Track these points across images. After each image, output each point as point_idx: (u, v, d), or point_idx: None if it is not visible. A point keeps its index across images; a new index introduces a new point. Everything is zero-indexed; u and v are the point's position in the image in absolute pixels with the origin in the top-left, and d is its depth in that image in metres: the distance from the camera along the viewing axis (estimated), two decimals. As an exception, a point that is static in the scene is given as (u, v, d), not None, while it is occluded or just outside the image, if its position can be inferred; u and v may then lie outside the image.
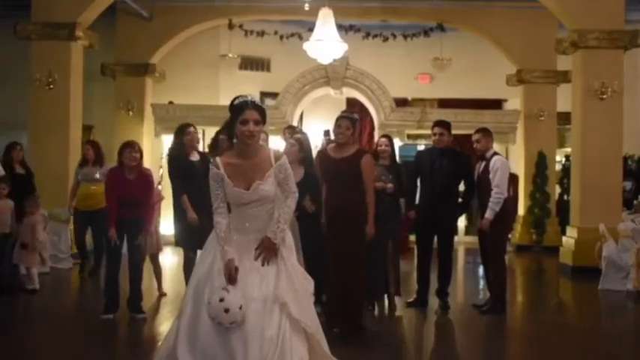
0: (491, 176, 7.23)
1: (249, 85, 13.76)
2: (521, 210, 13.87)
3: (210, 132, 8.07)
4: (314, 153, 7.25)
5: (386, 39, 14.76)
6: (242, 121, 3.85)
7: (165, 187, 9.47)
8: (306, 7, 11.45)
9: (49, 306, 7.76)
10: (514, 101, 14.93)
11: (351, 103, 15.25)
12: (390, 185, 7.16)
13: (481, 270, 8.31)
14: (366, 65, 14.21)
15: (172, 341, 3.86)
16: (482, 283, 8.98)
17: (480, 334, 6.88)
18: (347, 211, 6.09)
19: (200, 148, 7.63)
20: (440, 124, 7.70)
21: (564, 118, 12.81)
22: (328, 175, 6.31)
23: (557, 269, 10.87)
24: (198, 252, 5.78)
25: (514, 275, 10.78)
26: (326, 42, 11.09)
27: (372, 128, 15.23)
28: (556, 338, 6.57)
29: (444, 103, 15.68)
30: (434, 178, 7.44)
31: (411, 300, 7.67)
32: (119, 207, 6.65)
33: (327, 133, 12.96)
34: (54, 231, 9.71)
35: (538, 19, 12.99)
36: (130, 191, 6.66)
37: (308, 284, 4.02)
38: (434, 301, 7.63)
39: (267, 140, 7.48)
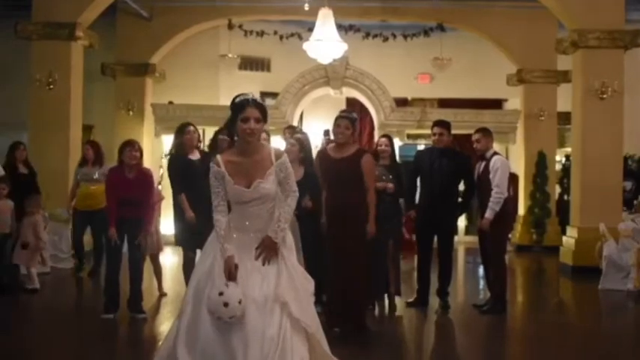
0: (491, 176, 7.23)
1: (249, 85, 13.73)
2: (521, 210, 13.86)
3: (210, 132, 8.07)
4: (314, 153, 7.26)
5: (386, 39, 14.76)
6: (243, 118, 3.86)
7: (165, 187, 9.47)
8: (306, 7, 11.44)
9: (49, 306, 7.76)
10: (514, 101, 14.94)
11: (351, 103, 15.24)
12: (390, 185, 7.16)
13: (481, 270, 8.31)
14: (365, 65, 14.21)
15: (172, 341, 3.86)
16: (482, 282, 8.98)
17: (481, 334, 6.88)
18: (347, 211, 6.09)
19: (201, 147, 7.63)
20: (439, 124, 7.70)
21: (564, 117, 12.81)
22: (328, 175, 6.30)
23: (558, 269, 10.87)
24: (198, 252, 5.80)
25: (514, 275, 10.78)
26: (326, 42, 11.09)
27: (372, 128, 15.23)
28: (556, 338, 6.57)
29: (444, 103, 15.69)
30: (433, 178, 7.44)
31: (411, 300, 7.67)
32: (119, 207, 6.65)
33: (326, 132, 12.96)
34: (54, 231, 9.71)
35: (538, 19, 12.99)
36: (130, 191, 6.66)
37: (308, 284, 4.02)
38: (434, 301, 7.62)
39: (268, 140, 7.48)
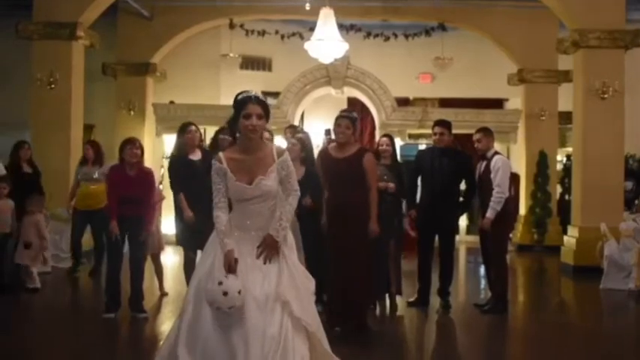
0: (492, 176, 7.23)
1: (251, 85, 13.49)
2: (522, 209, 13.86)
3: (211, 132, 8.08)
4: (315, 152, 7.25)
5: (387, 38, 14.77)
6: (245, 115, 3.87)
7: (166, 187, 9.49)
8: (307, 6, 11.43)
9: (50, 305, 7.77)
10: (515, 101, 14.92)
11: (353, 102, 15.23)
12: (391, 185, 7.15)
13: (482, 269, 8.31)
14: (367, 65, 14.20)
15: (173, 341, 3.86)
16: (483, 282, 8.98)
17: (482, 334, 6.87)
18: (349, 210, 6.09)
19: (203, 146, 7.63)
20: (440, 123, 7.70)
21: (565, 117, 12.81)
22: (330, 175, 6.30)
23: (559, 269, 10.86)
24: (199, 252, 5.80)
25: (515, 275, 10.78)
26: (327, 41, 11.09)
27: (373, 128, 15.22)
28: (557, 338, 6.57)
29: (445, 103, 15.68)
30: (434, 178, 7.44)
31: (412, 299, 7.67)
32: (120, 205, 6.64)
33: (328, 132, 12.95)
34: (55, 230, 9.71)
35: (539, 19, 12.99)
36: (131, 189, 6.66)
37: (309, 283, 4.02)
38: (435, 301, 7.62)
39: (272, 139, 7.48)
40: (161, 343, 4.61)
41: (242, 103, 3.90)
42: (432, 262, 7.67)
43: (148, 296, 7.18)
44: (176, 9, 13.43)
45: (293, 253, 4.03)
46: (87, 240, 9.57)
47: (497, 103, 15.73)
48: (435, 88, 16.09)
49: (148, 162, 9.27)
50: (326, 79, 14.01)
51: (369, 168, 6.17)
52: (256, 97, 3.93)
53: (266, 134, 4.62)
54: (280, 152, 4.00)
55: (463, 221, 13.95)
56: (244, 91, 3.97)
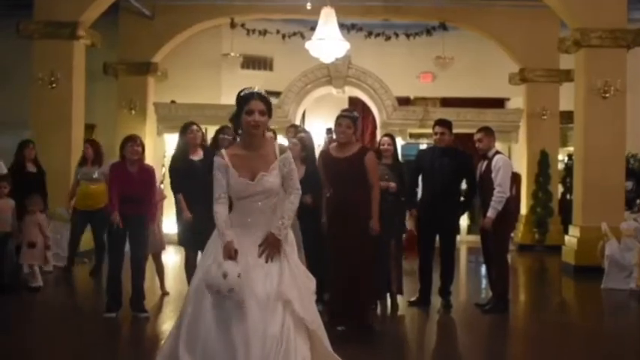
0: (493, 175, 7.22)
1: (252, 84, 13.69)
2: (523, 209, 13.84)
3: (212, 131, 8.08)
4: (317, 151, 7.25)
5: (388, 38, 14.77)
6: (248, 111, 3.88)
7: (167, 186, 9.49)
8: (308, 6, 11.44)
9: (51, 305, 7.76)
10: (516, 100, 14.92)
11: (354, 102, 15.24)
12: (392, 184, 7.15)
13: (483, 269, 8.30)
14: (368, 64, 14.20)
15: (174, 340, 3.85)
16: (484, 282, 8.97)
17: (483, 334, 6.87)
18: (351, 210, 6.10)
19: (205, 144, 7.62)
20: (440, 123, 7.69)
21: (567, 116, 12.80)
22: (331, 175, 6.30)
23: (560, 268, 10.85)
24: (199, 253, 5.79)
25: (516, 274, 10.78)
26: (328, 41, 11.09)
27: (375, 127, 15.23)
28: (558, 338, 6.57)
29: (447, 102, 15.69)
30: (435, 177, 7.44)
31: (413, 299, 7.67)
32: (121, 204, 6.63)
33: (329, 130, 12.92)
34: (56, 230, 9.70)
35: (540, 18, 12.98)
36: (132, 186, 6.65)
37: (310, 282, 4.01)
38: (436, 300, 7.62)
39: (275, 139, 7.48)
40: (162, 342, 4.61)
41: (245, 99, 3.92)
42: (433, 261, 7.66)
43: (149, 296, 7.18)
44: (177, 8, 13.43)
45: (294, 252, 4.02)
46: (87, 240, 9.57)
47: (498, 103, 15.73)
48: (436, 88, 16.08)
49: (149, 161, 9.20)
50: (327, 79, 14.02)
51: (371, 167, 6.18)
52: (259, 94, 3.94)
53: (270, 134, 4.62)
54: (282, 149, 4.02)
55: (464, 221, 13.95)
56: (247, 88, 3.99)
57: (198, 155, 7.16)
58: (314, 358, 3.86)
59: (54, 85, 10.68)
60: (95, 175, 9.02)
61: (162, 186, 10.04)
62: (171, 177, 7.27)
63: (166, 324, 6.48)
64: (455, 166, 7.47)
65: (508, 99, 15.84)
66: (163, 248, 8.23)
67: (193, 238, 6.75)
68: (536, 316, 7.82)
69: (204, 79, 14.60)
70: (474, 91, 15.34)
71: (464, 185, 7.75)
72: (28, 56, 11.07)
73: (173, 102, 14.14)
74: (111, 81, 13.80)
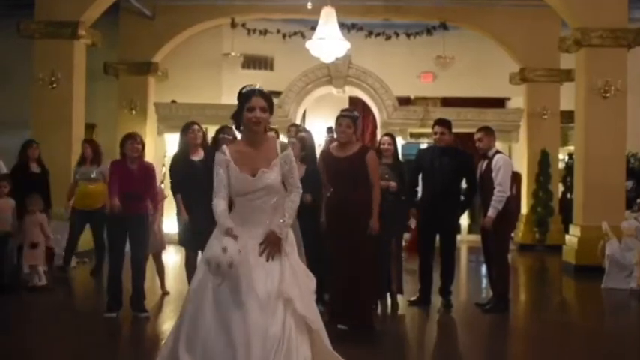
0: (493, 175, 7.22)
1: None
2: (524, 209, 13.85)
3: (213, 131, 8.08)
4: (317, 151, 7.25)
5: (389, 37, 14.77)
6: (249, 108, 3.89)
7: (167, 186, 9.49)
8: (309, 5, 11.45)
9: (51, 304, 7.75)
10: (517, 99, 14.92)
11: (354, 101, 15.24)
12: (393, 184, 7.15)
13: (484, 268, 8.30)
14: (368, 64, 14.20)
15: (174, 340, 3.85)
16: (485, 281, 8.98)
17: (483, 333, 6.87)
18: (351, 209, 6.10)
19: (207, 143, 7.62)
20: (440, 123, 7.69)
21: (567, 116, 12.80)
22: (332, 175, 6.30)
23: (560, 268, 10.85)
24: (200, 253, 5.79)
25: (517, 274, 10.78)
26: (328, 40, 11.10)
27: (375, 127, 15.22)
28: (559, 337, 6.57)
29: (447, 102, 15.69)
30: (435, 177, 7.44)
31: (413, 298, 7.67)
32: (122, 203, 6.59)
33: (330, 129, 12.93)
34: (56, 230, 9.68)
35: (541, 18, 12.98)
36: (133, 183, 6.64)
37: (310, 281, 4.00)
38: (436, 300, 7.62)
39: (277, 139, 7.48)
40: (162, 342, 4.62)
41: (246, 96, 3.93)
42: (433, 261, 7.67)
43: (149, 295, 7.18)
44: (178, 8, 13.44)
45: (294, 251, 4.01)
46: (88, 240, 9.56)
47: (499, 102, 15.73)
48: (436, 87, 16.08)
49: (149, 161, 9.25)
50: (327, 78, 14.02)
51: (372, 166, 6.19)
52: (260, 91, 3.95)
53: (272, 134, 4.63)
54: (284, 147, 4.03)
55: (465, 220, 13.95)
56: (248, 85, 4.01)
57: (198, 155, 7.16)
58: (315, 357, 3.86)
59: (54, 85, 10.69)
60: (94, 175, 9.02)
61: (162, 186, 10.04)
62: (171, 177, 7.27)
63: (166, 324, 6.48)
64: (455, 165, 7.47)
65: (509, 98, 15.84)
66: (164, 248, 8.23)
67: (193, 238, 6.75)
68: (537, 315, 7.82)
69: (204, 79, 14.61)
70: (474, 90, 15.33)
71: (464, 185, 7.75)
72: (28, 56, 11.09)
73: (174, 102, 14.14)
74: (111, 81, 13.81)
